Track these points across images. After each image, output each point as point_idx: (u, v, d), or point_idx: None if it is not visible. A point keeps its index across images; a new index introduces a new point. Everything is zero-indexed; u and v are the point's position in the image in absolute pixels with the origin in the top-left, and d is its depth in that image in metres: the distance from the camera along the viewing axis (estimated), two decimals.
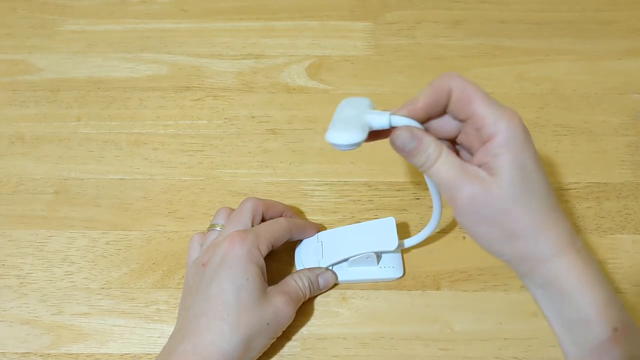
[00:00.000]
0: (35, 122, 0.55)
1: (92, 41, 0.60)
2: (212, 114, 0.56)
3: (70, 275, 0.48)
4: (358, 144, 0.34)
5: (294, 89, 0.57)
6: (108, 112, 0.56)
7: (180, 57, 0.59)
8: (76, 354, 0.45)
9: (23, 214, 0.51)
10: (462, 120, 0.35)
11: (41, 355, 0.44)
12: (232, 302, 0.39)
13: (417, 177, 0.52)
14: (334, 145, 0.34)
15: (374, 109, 0.36)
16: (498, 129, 0.32)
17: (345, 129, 0.34)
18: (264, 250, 0.42)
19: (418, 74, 0.58)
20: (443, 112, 0.36)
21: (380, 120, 0.35)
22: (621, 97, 0.56)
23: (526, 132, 0.33)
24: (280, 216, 0.46)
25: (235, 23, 0.62)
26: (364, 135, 0.34)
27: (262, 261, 0.42)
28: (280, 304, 0.41)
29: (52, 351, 0.45)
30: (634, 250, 0.48)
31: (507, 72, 0.58)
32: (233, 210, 0.46)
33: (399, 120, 0.35)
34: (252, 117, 0.56)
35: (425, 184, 0.51)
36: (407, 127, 0.34)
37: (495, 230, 0.34)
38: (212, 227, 0.45)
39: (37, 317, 0.46)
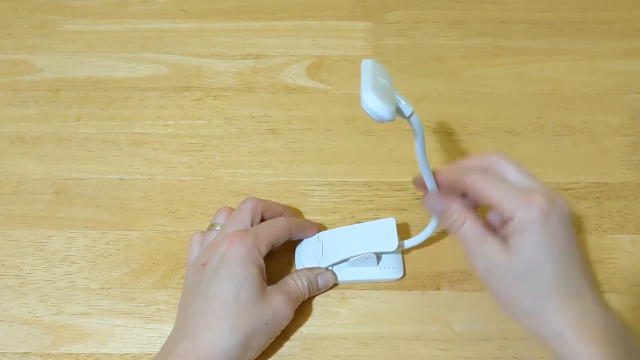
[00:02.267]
0: (35, 122, 0.55)
1: (92, 41, 0.60)
2: (212, 114, 0.56)
3: (70, 275, 0.48)
4: (388, 120, 0.33)
5: (294, 89, 0.57)
6: (108, 112, 0.56)
7: (180, 57, 0.59)
8: (76, 354, 0.45)
9: (23, 214, 0.51)
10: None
11: (41, 355, 0.44)
12: (231, 302, 0.39)
13: None
14: (368, 108, 0.33)
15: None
16: (514, 213, 0.35)
17: (385, 100, 0.33)
18: (264, 250, 0.42)
19: (418, 74, 0.58)
20: None
21: (405, 110, 0.35)
22: (621, 97, 0.56)
23: (546, 215, 0.34)
24: (280, 216, 0.46)
25: (235, 23, 0.62)
26: (394, 115, 0.33)
27: (262, 261, 0.42)
28: (279, 303, 0.41)
29: (52, 351, 0.45)
30: (634, 250, 0.48)
31: (507, 72, 0.58)
32: (233, 210, 0.46)
33: (416, 122, 0.36)
34: (252, 117, 0.56)
35: None
36: (438, 194, 0.39)
37: (506, 303, 0.37)
38: (212, 226, 0.45)
39: (37, 317, 0.46)
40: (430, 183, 0.40)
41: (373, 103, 0.32)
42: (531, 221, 0.34)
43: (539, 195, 0.35)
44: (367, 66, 0.35)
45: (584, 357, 0.34)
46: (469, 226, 0.37)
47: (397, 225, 0.45)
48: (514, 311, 0.37)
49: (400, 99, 0.35)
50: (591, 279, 0.37)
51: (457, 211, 0.37)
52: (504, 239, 0.36)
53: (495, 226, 0.39)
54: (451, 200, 0.38)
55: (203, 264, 0.42)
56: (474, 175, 0.37)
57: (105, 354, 0.45)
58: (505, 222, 0.36)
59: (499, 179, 0.37)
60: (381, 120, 0.33)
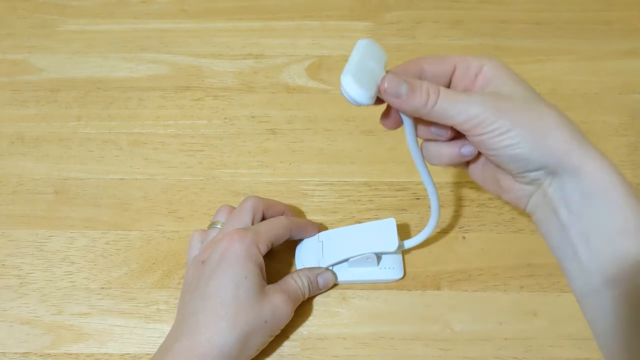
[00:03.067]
0: (35, 122, 0.55)
1: (92, 41, 0.60)
2: (212, 114, 0.56)
3: (70, 275, 0.48)
4: (365, 104, 0.34)
5: (294, 89, 0.57)
6: (108, 112, 0.56)
7: (180, 57, 0.59)
8: (76, 354, 0.45)
9: (23, 214, 0.51)
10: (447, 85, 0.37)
11: (41, 355, 0.44)
12: (230, 300, 0.39)
13: (417, 177, 0.52)
14: (343, 90, 0.33)
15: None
16: (483, 61, 0.35)
17: (365, 84, 0.33)
18: (263, 249, 0.42)
19: None
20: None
21: None
22: (621, 97, 0.56)
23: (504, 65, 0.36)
24: (281, 215, 0.46)
25: (235, 23, 0.62)
26: (372, 100, 0.34)
27: (261, 259, 0.42)
28: (278, 302, 0.41)
29: (52, 351, 0.45)
30: None
31: None
32: (234, 208, 0.46)
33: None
34: (252, 117, 0.56)
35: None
36: (393, 73, 0.35)
37: (529, 131, 0.34)
38: (212, 224, 0.45)
39: (37, 317, 0.46)
40: (423, 171, 0.40)
41: (349, 87, 0.33)
42: (499, 64, 0.35)
43: (489, 96, 0.34)
44: (359, 47, 0.35)
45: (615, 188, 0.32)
46: (445, 90, 0.34)
47: (397, 225, 0.45)
48: (540, 142, 0.34)
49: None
50: None
51: (426, 82, 0.34)
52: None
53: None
54: (413, 81, 0.35)
55: (203, 262, 0.42)
56: (428, 57, 0.36)
57: (105, 354, 0.45)
58: (476, 74, 0.35)
59: (451, 94, 0.35)
60: (357, 104, 0.33)
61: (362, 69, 0.34)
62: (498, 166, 0.36)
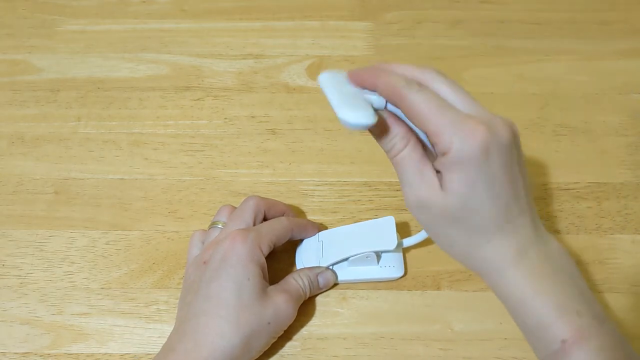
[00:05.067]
0: (35, 122, 0.55)
1: (92, 41, 0.60)
2: (212, 114, 0.56)
3: (70, 275, 0.48)
4: (372, 125, 0.33)
5: (294, 89, 0.57)
6: (108, 112, 0.56)
7: (180, 57, 0.59)
8: (76, 354, 0.45)
9: (23, 214, 0.51)
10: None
11: (41, 355, 0.44)
12: (232, 301, 0.39)
13: None
14: (349, 124, 0.32)
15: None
16: (450, 146, 0.31)
17: (359, 108, 0.33)
18: (266, 250, 0.42)
19: None
20: None
21: (378, 102, 0.34)
22: (621, 97, 0.56)
23: (486, 151, 0.31)
24: (282, 215, 0.46)
25: (235, 23, 0.62)
26: (376, 116, 0.33)
27: (264, 260, 0.42)
28: (281, 303, 0.41)
29: (52, 351, 0.45)
30: (634, 250, 0.48)
31: (507, 72, 0.58)
32: (235, 208, 0.46)
33: (393, 108, 0.35)
34: (252, 117, 0.56)
35: None
36: (381, 113, 0.34)
37: (439, 241, 0.35)
38: (214, 224, 0.45)
39: (37, 317, 0.46)
40: None
41: (352, 118, 0.32)
42: (468, 158, 0.31)
43: (478, 125, 0.31)
44: (325, 81, 0.35)
45: (525, 292, 0.33)
46: (408, 153, 0.34)
47: (397, 224, 0.45)
48: (447, 249, 0.35)
49: (370, 97, 0.34)
50: (534, 205, 0.34)
51: (399, 135, 0.34)
52: (438, 171, 0.33)
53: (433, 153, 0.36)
54: (396, 122, 0.34)
55: (204, 262, 0.42)
56: (415, 94, 0.32)
57: (105, 354, 0.44)
58: (439, 153, 0.32)
59: (440, 102, 0.32)
60: (368, 127, 0.33)
61: (346, 97, 0.34)
62: None
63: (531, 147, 0.53)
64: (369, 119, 0.32)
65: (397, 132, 0.34)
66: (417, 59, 0.59)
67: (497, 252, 0.33)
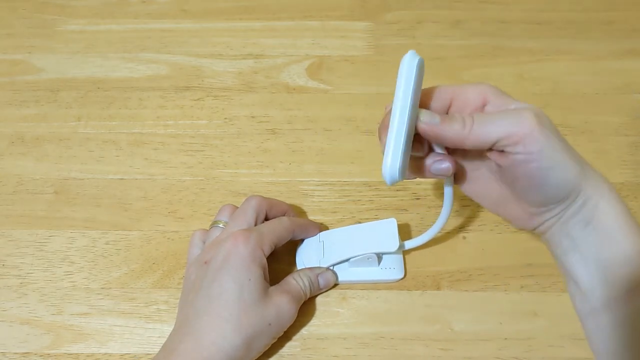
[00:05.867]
0: (35, 122, 0.55)
1: (92, 41, 0.60)
2: (212, 114, 0.56)
3: (70, 275, 0.48)
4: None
5: (294, 89, 0.57)
6: (108, 112, 0.56)
7: (180, 57, 0.59)
8: (76, 354, 0.44)
9: (23, 214, 0.51)
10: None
11: (41, 355, 0.44)
12: (234, 302, 0.39)
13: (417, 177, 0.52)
14: (386, 179, 0.36)
15: None
16: (481, 88, 0.36)
17: (404, 166, 0.35)
18: (267, 251, 0.42)
19: None
20: None
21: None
22: (621, 97, 0.56)
23: (538, 121, 0.34)
24: (283, 215, 0.46)
25: (235, 23, 0.62)
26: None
27: (265, 261, 0.42)
28: (282, 304, 0.41)
29: (52, 351, 0.45)
30: None
31: (507, 72, 0.58)
32: (237, 207, 0.46)
33: None
34: (252, 117, 0.56)
35: (425, 184, 0.51)
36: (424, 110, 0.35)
37: (560, 156, 0.35)
38: (215, 223, 0.45)
39: (37, 317, 0.46)
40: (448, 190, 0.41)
41: (392, 176, 0.35)
42: (497, 89, 0.35)
43: (526, 112, 0.34)
44: (407, 85, 0.34)
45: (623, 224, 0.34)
46: (478, 113, 0.36)
47: (398, 225, 0.45)
48: (548, 180, 0.35)
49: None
50: None
51: (456, 113, 0.36)
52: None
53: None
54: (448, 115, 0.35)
55: (206, 262, 0.42)
56: (471, 125, 0.34)
57: (105, 354, 0.44)
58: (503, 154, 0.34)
59: (484, 115, 0.35)
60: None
61: (404, 151, 0.35)
62: (516, 194, 0.36)
63: None
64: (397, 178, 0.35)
65: (455, 114, 0.35)
66: None
67: (598, 179, 0.36)
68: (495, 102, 0.36)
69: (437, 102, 0.36)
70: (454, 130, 0.34)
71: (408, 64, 0.34)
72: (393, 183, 0.36)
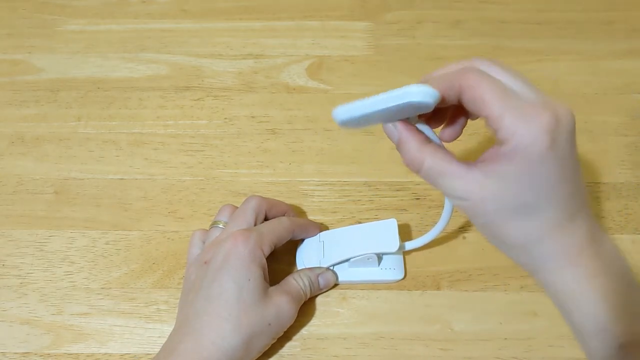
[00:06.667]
0: (35, 122, 0.55)
1: (92, 41, 0.60)
2: (212, 114, 0.56)
3: (70, 275, 0.48)
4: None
5: (294, 89, 0.57)
6: (108, 112, 0.56)
7: (180, 57, 0.59)
8: (76, 354, 0.45)
9: (23, 214, 0.51)
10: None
11: (41, 355, 0.44)
12: (234, 302, 0.39)
13: (417, 177, 0.51)
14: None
15: None
16: (514, 132, 0.28)
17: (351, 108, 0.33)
18: (267, 251, 0.42)
19: (418, 74, 0.57)
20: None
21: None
22: (621, 97, 0.56)
23: (551, 136, 0.28)
24: (283, 215, 0.46)
25: (235, 23, 0.62)
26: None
27: (264, 261, 0.42)
28: (282, 304, 0.41)
29: (52, 351, 0.45)
30: (634, 251, 0.48)
31: None
32: (236, 207, 0.46)
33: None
34: (252, 117, 0.56)
35: (425, 184, 0.51)
36: (394, 124, 0.34)
37: (491, 235, 0.33)
38: (215, 224, 0.45)
39: (37, 317, 0.46)
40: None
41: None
42: (533, 146, 0.28)
43: (543, 111, 0.28)
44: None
45: (581, 292, 0.31)
46: (429, 163, 0.32)
47: (399, 226, 0.45)
48: (499, 244, 0.33)
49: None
50: (587, 196, 0.32)
51: (414, 148, 0.33)
52: (488, 161, 0.30)
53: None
54: (406, 136, 0.33)
55: (206, 262, 0.42)
56: (472, 76, 0.30)
57: (105, 354, 0.44)
58: (499, 141, 0.30)
59: (502, 86, 0.30)
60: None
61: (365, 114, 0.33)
62: None
63: None
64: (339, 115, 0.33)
65: (409, 149, 0.33)
66: (417, 59, 0.59)
67: (554, 250, 0.31)
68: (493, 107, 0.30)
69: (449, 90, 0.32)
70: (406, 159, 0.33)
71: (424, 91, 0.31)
72: (337, 121, 0.34)
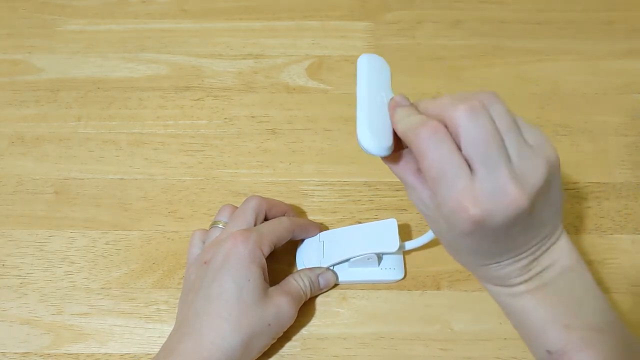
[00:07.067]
0: (35, 122, 0.55)
1: (92, 41, 0.60)
2: (212, 114, 0.56)
3: (70, 275, 0.48)
4: (384, 156, 0.34)
5: (294, 89, 0.57)
6: (108, 112, 0.56)
7: (180, 57, 0.59)
8: (76, 354, 0.45)
9: (23, 214, 0.51)
10: None
11: (41, 355, 0.44)
12: (233, 302, 0.39)
13: None
14: (363, 148, 0.33)
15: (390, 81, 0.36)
16: (442, 208, 0.31)
17: (379, 132, 0.33)
18: (267, 251, 0.42)
19: (418, 74, 0.58)
20: None
21: None
22: (621, 97, 0.56)
23: (473, 227, 0.30)
24: (283, 215, 0.46)
25: (235, 23, 0.62)
26: (390, 151, 0.34)
27: (264, 261, 0.42)
28: (282, 304, 0.41)
29: (52, 351, 0.45)
30: (634, 251, 0.48)
31: (507, 72, 0.58)
32: (236, 207, 0.46)
33: None
34: (252, 117, 0.56)
35: None
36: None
37: (447, 247, 0.35)
38: (215, 224, 0.45)
39: (37, 317, 0.46)
40: None
41: (367, 143, 0.33)
42: (454, 226, 0.31)
43: (471, 207, 0.29)
44: (362, 74, 0.35)
45: (525, 307, 0.34)
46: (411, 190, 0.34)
47: (399, 226, 0.45)
48: (454, 257, 0.35)
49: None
50: (557, 214, 0.34)
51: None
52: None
53: None
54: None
55: (206, 262, 0.42)
56: (416, 130, 0.31)
57: (105, 354, 0.45)
58: None
59: (452, 157, 0.30)
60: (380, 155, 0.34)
61: (375, 111, 0.34)
62: None
63: None
64: (383, 150, 0.33)
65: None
66: (417, 59, 0.59)
67: (495, 276, 0.34)
68: None
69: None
70: (399, 129, 0.33)
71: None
72: (371, 148, 0.33)
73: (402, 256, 0.47)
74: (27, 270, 0.48)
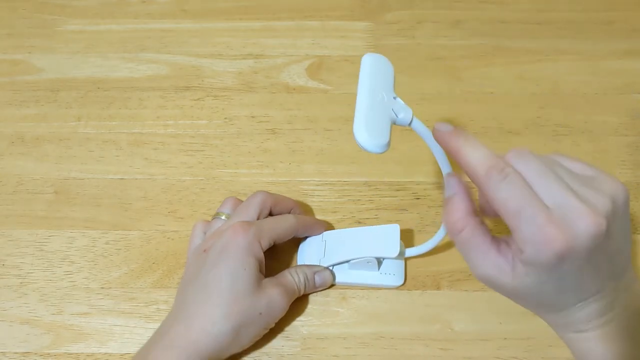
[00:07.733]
0: (35, 122, 0.55)
1: (92, 41, 0.60)
2: (212, 114, 0.56)
3: (70, 275, 0.48)
4: (381, 152, 0.34)
5: (294, 89, 0.57)
6: (108, 112, 0.56)
7: (180, 57, 0.59)
8: (76, 354, 0.45)
9: (23, 214, 0.51)
10: None
11: (41, 355, 0.44)
12: (226, 290, 0.40)
13: (417, 177, 0.52)
14: (359, 144, 0.34)
15: (394, 84, 0.36)
16: (524, 249, 0.29)
17: (377, 130, 0.34)
18: (265, 245, 0.43)
19: (418, 74, 0.58)
20: None
21: (403, 121, 0.35)
22: (621, 97, 0.56)
23: (558, 259, 0.29)
24: (289, 212, 0.47)
25: (235, 23, 0.62)
26: (387, 147, 0.34)
27: (262, 254, 0.42)
28: (274, 295, 0.42)
29: (52, 351, 0.45)
30: (634, 251, 0.48)
31: (507, 72, 0.58)
32: (240, 201, 0.46)
33: (419, 126, 0.35)
34: (252, 117, 0.56)
35: (425, 184, 0.51)
36: (458, 178, 0.33)
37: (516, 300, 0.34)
38: (217, 215, 0.46)
39: (37, 317, 0.46)
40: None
41: (363, 140, 0.34)
42: (540, 264, 0.29)
43: (555, 235, 0.28)
44: (364, 73, 0.35)
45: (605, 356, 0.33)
46: (467, 236, 0.32)
47: (401, 231, 0.44)
48: (533, 308, 0.35)
49: (399, 110, 0.35)
50: (627, 265, 0.32)
51: (457, 214, 0.32)
52: (512, 252, 0.31)
53: None
54: (460, 198, 0.33)
55: (205, 251, 0.43)
56: (497, 184, 0.30)
57: (105, 353, 0.45)
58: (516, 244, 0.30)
59: (522, 196, 0.30)
60: (376, 152, 0.33)
61: (374, 109, 0.34)
62: None
63: (531, 147, 0.52)
64: (379, 148, 0.33)
65: (454, 210, 0.32)
66: (417, 59, 0.59)
67: (567, 321, 0.34)
68: None
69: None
70: (467, 160, 0.31)
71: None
72: (366, 144, 0.34)
73: (403, 262, 0.47)
74: (27, 270, 0.48)
